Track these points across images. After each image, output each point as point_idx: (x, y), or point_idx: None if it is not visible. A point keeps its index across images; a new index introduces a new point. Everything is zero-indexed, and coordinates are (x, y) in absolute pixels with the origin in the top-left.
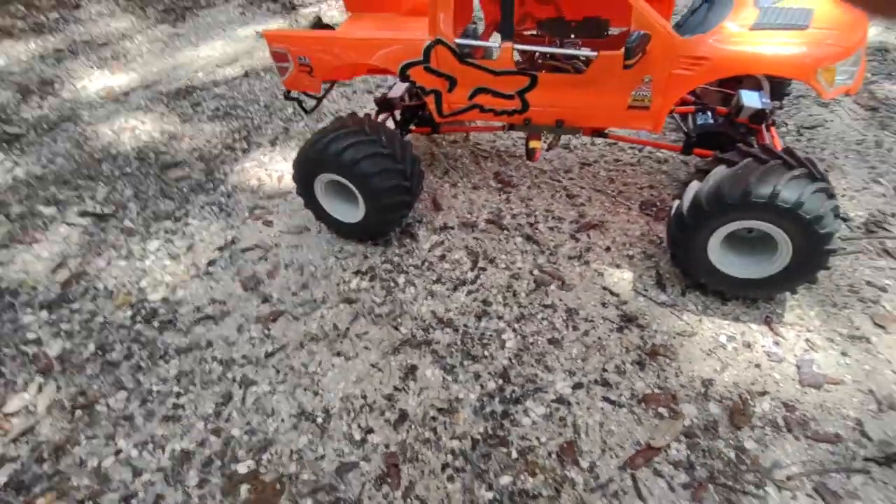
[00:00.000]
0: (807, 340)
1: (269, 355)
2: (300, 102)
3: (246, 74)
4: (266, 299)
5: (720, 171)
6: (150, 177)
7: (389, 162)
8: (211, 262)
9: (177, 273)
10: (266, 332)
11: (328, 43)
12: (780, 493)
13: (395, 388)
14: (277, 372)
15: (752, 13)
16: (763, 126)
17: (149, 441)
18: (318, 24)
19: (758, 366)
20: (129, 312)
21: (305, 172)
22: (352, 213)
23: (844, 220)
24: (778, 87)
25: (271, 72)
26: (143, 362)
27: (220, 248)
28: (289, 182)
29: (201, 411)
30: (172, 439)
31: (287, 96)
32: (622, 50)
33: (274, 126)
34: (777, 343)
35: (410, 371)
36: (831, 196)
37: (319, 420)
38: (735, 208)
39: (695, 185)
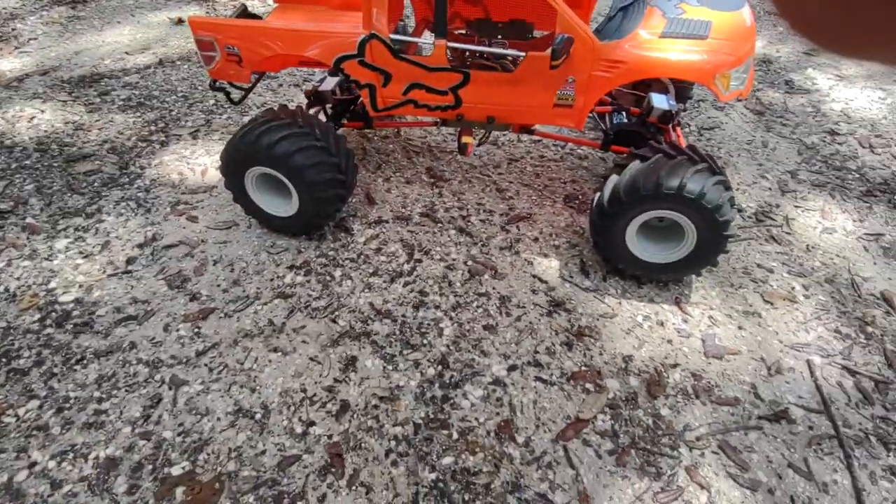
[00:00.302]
0: (710, 317)
1: (200, 354)
2: (227, 93)
3: (160, 63)
4: (194, 297)
5: (635, 166)
6: (55, 170)
7: (324, 154)
8: (130, 261)
9: (91, 273)
10: (196, 330)
11: (260, 33)
12: (691, 452)
13: (336, 380)
14: (210, 370)
15: (661, 22)
16: (670, 126)
17: (68, 451)
18: (244, 13)
19: (670, 341)
20: (38, 315)
21: (235, 165)
22: (284, 206)
23: (739, 210)
24: (682, 92)
25: (189, 61)
26: (56, 368)
27: (140, 246)
28: (213, 176)
29: (127, 416)
30: (96, 447)
31: (213, 86)
32: (549, 51)
33: (195, 118)
34: (685, 321)
35: (350, 362)
36: (728, 188)
37: (258, 416)
38: (648, 199)
39: (614, 178)
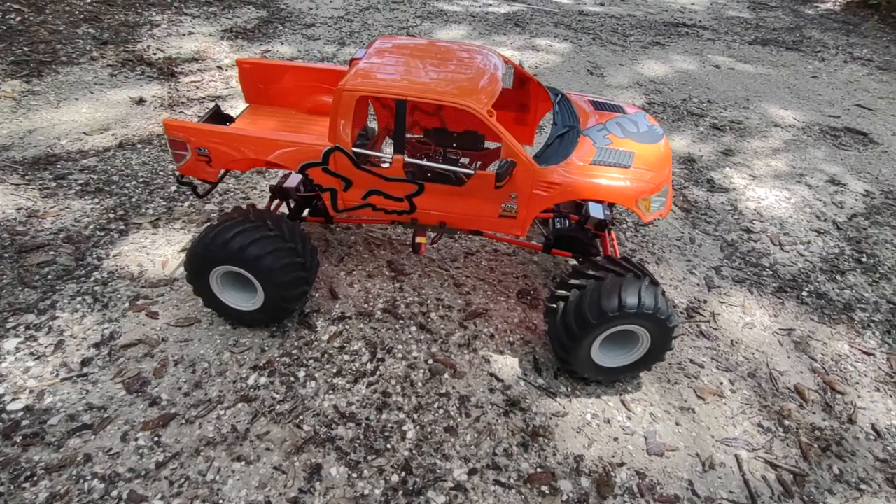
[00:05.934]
0: (651, 414)
1: (160, 465)
2: (194, 187)
3: (120, 145)
4: (154, 402)
5: (594, 287)
6: (5, 261)
7: (279, 242)
8: (86, 362)
9: (43, 376)
10: (156, 439)
11: (232, 139)
12: None
13: (301, 491)
14: (171, 484)
15: (592, 151)
16: (605, 231)
17: None
18: (217, 112)
19: (616, 439)
20: None
21: (198, 269)
22: (251, 300)
23: (673, 307)
24: None
25: (150, 144)
26: (2, 487)
27: (97, 345)
28: (174, 268)
29: None
30: None
31: (180, 181)
32: (495, 171)
33: (155, 205)
34: (629, 417)
35: (315, 471)
36: (664, 293)
37: None
38: (615, 318)
39: (571, 300)
